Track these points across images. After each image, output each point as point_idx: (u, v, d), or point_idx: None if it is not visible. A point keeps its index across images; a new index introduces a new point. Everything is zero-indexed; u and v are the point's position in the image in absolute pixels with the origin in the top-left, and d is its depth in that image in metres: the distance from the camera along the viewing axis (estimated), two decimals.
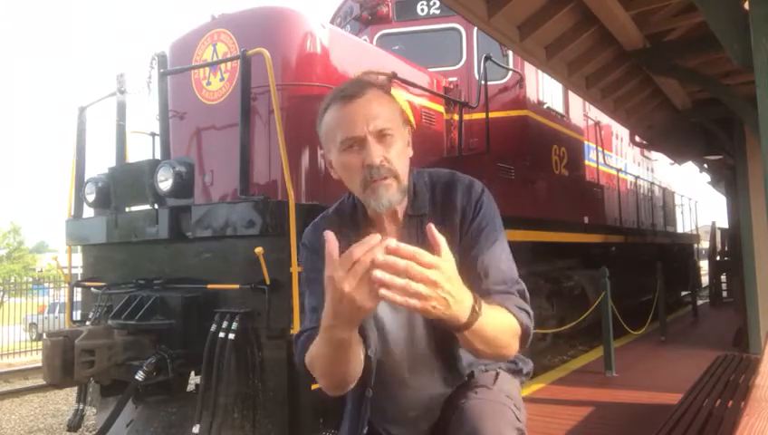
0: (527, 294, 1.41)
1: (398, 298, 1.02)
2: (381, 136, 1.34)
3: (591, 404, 4.66)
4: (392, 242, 1.03)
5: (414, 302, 1.03)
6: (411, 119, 5.01)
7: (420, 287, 1.03)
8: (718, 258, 14.14)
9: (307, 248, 1.51)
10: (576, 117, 7.57)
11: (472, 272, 1.35)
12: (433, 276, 1.04)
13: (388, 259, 1.02)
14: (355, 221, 1.48)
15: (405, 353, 1.47)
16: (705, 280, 17.16)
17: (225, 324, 3.37)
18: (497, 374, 1.49)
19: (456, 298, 1.10)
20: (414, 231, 1.42)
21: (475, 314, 1.16)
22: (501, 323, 1.27)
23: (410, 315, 1.44)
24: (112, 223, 4.24)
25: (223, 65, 4.34)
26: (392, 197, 1.35)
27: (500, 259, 1.41)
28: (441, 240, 1.09)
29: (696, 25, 4.46)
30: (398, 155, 1.36)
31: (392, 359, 1.48)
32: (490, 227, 1.43)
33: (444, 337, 1.42)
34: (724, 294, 13.36)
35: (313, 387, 3.43)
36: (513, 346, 1.31)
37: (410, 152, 1.43)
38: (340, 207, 1.55)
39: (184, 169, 3.86)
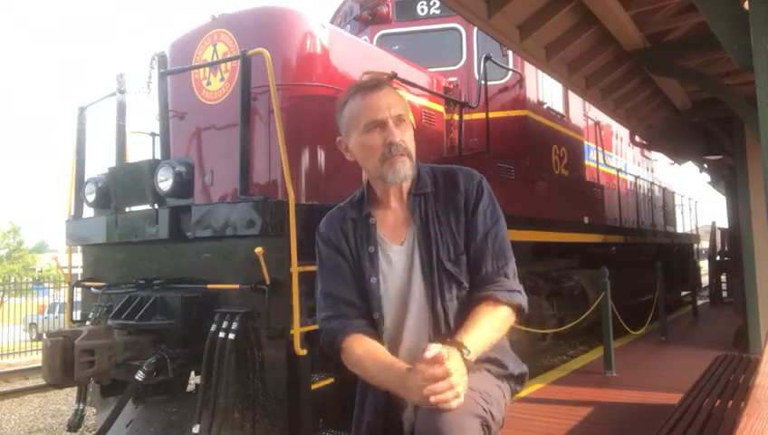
0: (515, 270, 1.65)
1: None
2: (399, 121, 1.61)
3: (591, 404, 4.66)
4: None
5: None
6: (411, 116, 5.02)
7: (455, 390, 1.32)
8: (718, 258, 14.15)
9: (324, 243, 1.72)
10: (576, 117, 7.57)
11: (479, 248, 1.61)
12: (454, 381, 1.32)
13: (434, 388, 1.31)
14: (361, 204, 1.72)
15: (399, 330, 1.64)
16: (705, 280, 17.16)
17: (225, 324, 3.36)
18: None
19: (462, 373, 1.35)
20: (417, 207, 1.66)
21: (467, 361, 1.39)
22: (488, 332, 1.50)
23: (403, 315, 1.64)
24: (112, 223, 4.23)
25: (223, 65, 4.34)
26: (408, 171, 1.62)
27: (502, 239, 1.64)
28: (436, 352, 1.32)
29: (696, 25, 4.46)
30: (410, 138, 1.64)
31: (388, 337, 1.65)
32: (491, 207, 1.66)
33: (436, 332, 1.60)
34: (724, 294, 13.37)
35: (313, 387, 3.43)
36: (507, 328, 1.59)
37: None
38: (352, 198, 1.78)
39: (184, 169, 3.85)
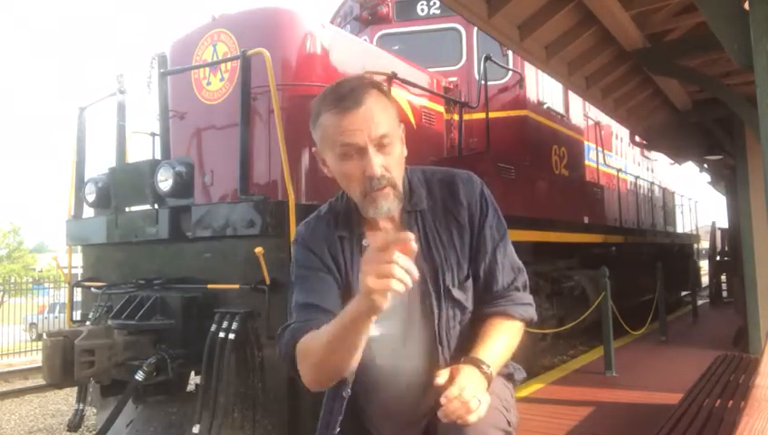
0: (528, 282, 1.55)
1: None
2: (381, 145, 1.34)
3: (591, 404, 4.66)
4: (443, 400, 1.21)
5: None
6: (411, 116, 5.01)
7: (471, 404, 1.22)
8: (718, 258, 14.15)
9: (301, 246, 1.53)
10: (576, 117, 7.57)
11: (489, 267, 1.49)
12: (465, 397, 1.21)
13: (448, 410, 1.20)
14: (350, 221, 1.50)
15: (397, 358, 1.48)
16: (705, 280, 17.16)
17: (225, 324, 3.37)
18: None
19: (481, 389, 1.26)
20: (415, 226, 1.46)
21: (488, 375, 1.32)
22: (504, 347, 1.43)
23: (401, 344, 1.47)
24: (112, 223, 4.24)
25: (223, 65, 4.34)
26: (391, 205, 1.38)
27: (510, 252, 1.53)
28: (448, 374, 1.27)
29: (696, 25, 4.46)
30: (396, 162, 1.39)
31: (384, 365, 1.49)
32: (497, 220, 1.52)
33: (439, 346, 1.47)
34: (724, 294, 13.36)
35: None
36: (518, 341, 1.48)
37: (405, 152, 1.44)
38: (333, 205, 1.56)
39: (184, 169, 3.86)
